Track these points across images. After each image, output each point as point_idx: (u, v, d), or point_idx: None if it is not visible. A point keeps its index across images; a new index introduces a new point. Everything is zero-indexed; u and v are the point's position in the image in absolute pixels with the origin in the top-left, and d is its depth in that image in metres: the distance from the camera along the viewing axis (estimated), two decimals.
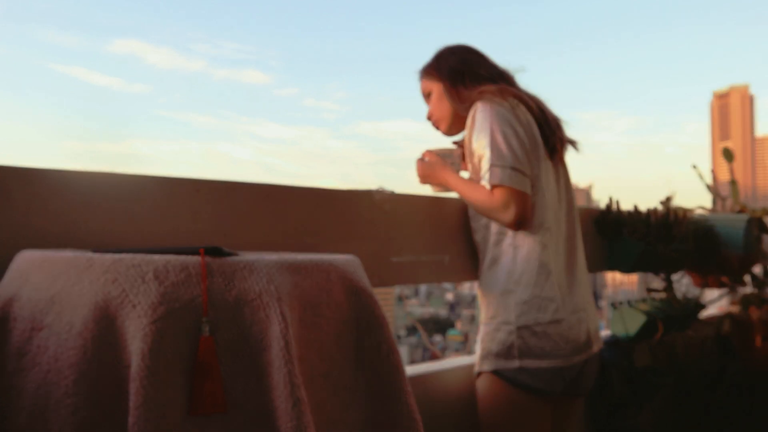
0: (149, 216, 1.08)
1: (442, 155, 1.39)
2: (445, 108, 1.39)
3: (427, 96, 1.44)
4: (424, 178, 1.40)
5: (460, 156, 1.39)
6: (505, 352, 1.24)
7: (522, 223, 1.23)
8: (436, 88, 1.40)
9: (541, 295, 1.24)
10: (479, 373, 1.33)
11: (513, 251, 1.27)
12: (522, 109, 1.29)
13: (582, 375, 1.30)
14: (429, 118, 1.45)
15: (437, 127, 1.44)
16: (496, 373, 1.26)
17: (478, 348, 1.34)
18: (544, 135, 1.31)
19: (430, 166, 1.38)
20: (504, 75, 1.37)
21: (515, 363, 1.23)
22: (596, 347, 1.36)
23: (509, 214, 1.21)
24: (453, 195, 1.42)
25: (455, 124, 1.41)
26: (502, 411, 1.28)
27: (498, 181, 1.21)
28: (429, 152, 1.41)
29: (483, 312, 1.32)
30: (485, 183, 1.24)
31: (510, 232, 1.28)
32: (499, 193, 1.21)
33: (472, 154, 1.32)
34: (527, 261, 1.25)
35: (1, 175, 0.95)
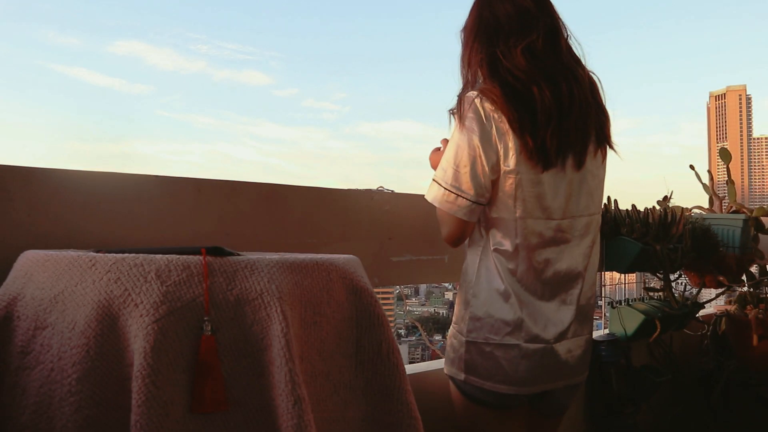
0: (151, 216, 1.09)
1: None
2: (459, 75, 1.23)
3: None
4: (435, 167, 1.30)
5: None
6: (457, 362, 1.20)
7: (456, 243, 1.19)
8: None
9: (495, 315, 1.14)
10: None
11: (479, 264, 1.18)
12: (497, 123, 1.10)
13: (546, 401, 1.23)
14: None
15: None
16: (450, 378, 1.23)
17: None
18: (540, 145, 1.10)
19: (440, 154, 1.28)
20: (518, 46, 1.13)
21: (461, 375, 1.19)
22: (573, 379, 1.22)
23: (443, 232, 1.18)
24: None
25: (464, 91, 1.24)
26: (462, 415, 1.25)
27: (431, 200, 1.16)
28: (445, 140, 1.30)
29: (453, 314, 1.27)
30: None
31: (481, 245, 1.19)
32: (438, 210, 1.17)
33: None
34: (490, 278, 1.15)
35: (4, 175, 0.95)
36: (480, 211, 1.15)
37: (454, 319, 1.24)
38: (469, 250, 1.22)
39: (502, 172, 1.12)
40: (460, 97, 1.14)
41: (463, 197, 1.11)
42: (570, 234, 1.17)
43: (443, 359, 1.30)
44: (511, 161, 1.10)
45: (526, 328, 1.14)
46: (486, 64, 1.15)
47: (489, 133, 1.10)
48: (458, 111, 1.13)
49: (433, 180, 1.16)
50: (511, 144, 1.10)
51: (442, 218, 1.17)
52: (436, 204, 1.15)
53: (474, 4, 1.23)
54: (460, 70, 1.22)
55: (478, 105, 1.11)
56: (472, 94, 1.13)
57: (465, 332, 1.17)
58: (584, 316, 1.22)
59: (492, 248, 1.16)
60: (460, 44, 1.23)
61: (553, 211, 1.14)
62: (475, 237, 1.20)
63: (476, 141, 1.10)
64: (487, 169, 1.11)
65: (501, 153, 1.11)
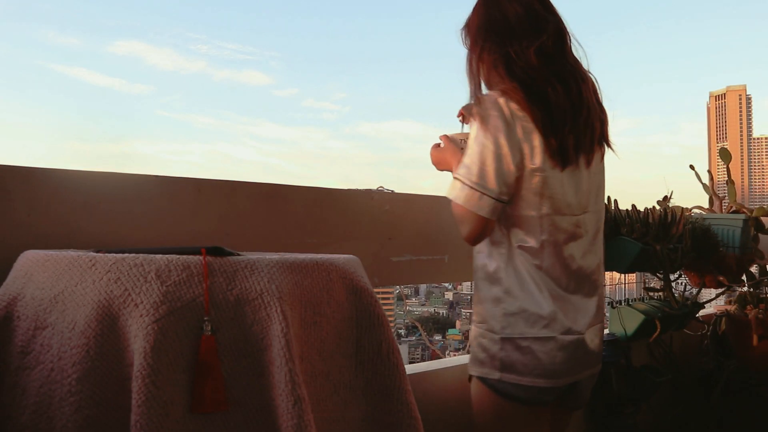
0: (151, 216, 1.09)
1: (455, 140, 1.32)
2: (466, 76, 1.24)
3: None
4: (437, 164, 1.33)
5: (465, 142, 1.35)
6: (489, 362, 1.19)
7: (476, 242, 1.19)
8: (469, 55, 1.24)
9: (530, 309, 1.16)
10: (471, 376, 1.28)
11: (506, 262, 1.19)
12: (522, 121, 1.14)
13: (574, 393, 1.25)
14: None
15: None
16: (481, 379, 1.23)
17: (471, 350, 1.30)
18: (561, 143, 1.15)
19: (441, 152, 1.31)
20: (531, 46, 1.16)
21: (496, 374, 1.18)
22: (595, 368, 1.28)
23: (463, 231, 1.18)
24: None
25: (476, 92, 1.25)
26: (491, 416, 1.24)
27: (454, 198, 1.16)
28: (444, 137, 1.32)
29: (474, 314, 1.27)
30: None
31: (504, 242, 1.20)
32: (456, 208, 1.17)
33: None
34: (521, 272, 1.18)
35: (4, 175, 0.95)
36: (501, 209, 1.16)
37: (478, 319, 1.24)
38: (491, 248, 1.22)
39: (527, 170, 1.15)
40: (479, 97, 1.16)
41: (488, 195, 1.13)
42: (585, 229, 1.23)
43: (444, 359, 1.30)
44: (537, 159, 1.14)
45: (560, 320, 1.17)
46: (501, 65, 1.17)
47: (515, 132, 1.13)
48: (479, 110, 1.15)
49: (455, 178, 1.16)
50: (536, 143, 1.14)
51: (464, 216, 1.16)
52: (459, 202, 1.15)
53: (479, 3, 1.24)
54: (469, 69, 1.23)
55: (503, 104, 1.13)
56: (495, 93, 1.15)
57: (498, 329, 1.18)
58: (601, 305, 1.29)
59: (516, 245, 1.18)
60: (466, 43, 1.25)
61: (573, 207, 1.20)
62: (495, 236, 1.21)
63: (502, 140, 1.13)
64: (512, 167, 1.14)
65: (527, 151, 1.14)
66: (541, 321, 1.16)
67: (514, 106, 1.13)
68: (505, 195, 1.14)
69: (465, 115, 1.41)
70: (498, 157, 1.13)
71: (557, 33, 1.20)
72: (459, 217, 1.17)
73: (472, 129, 1.16)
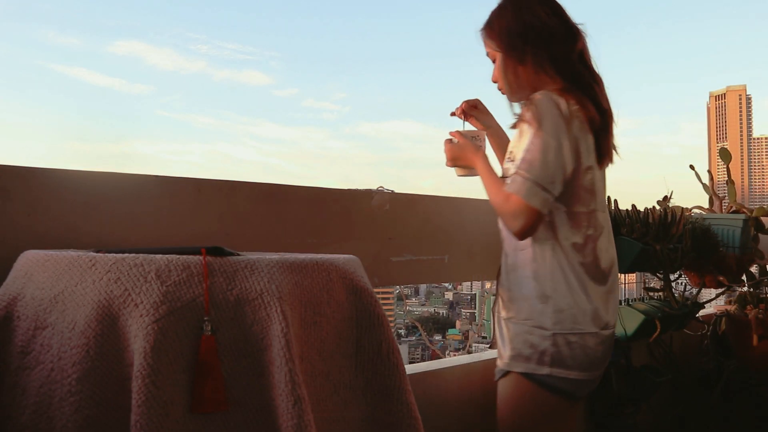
0: (151, 216, 1.09)
1: (469, 136, 1.34)
2: (511, 81, 1.28)
3: (487, 55, 1.33)
4: (454, 160, 1.34)
5: (484, 139, 1.36)
6: (537, 357, 1.22)
7: (527, 236, 1.21)
8: (499, 57, 1.28)
9: (578, 305, 1.22)
10: (506, 372, 1.29)
11: (552, 255, 1.24)
12: (578, 120, 1.20)
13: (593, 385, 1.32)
14: (493, 81, 1.34)
15: (503, 94, 1.34)
16: (525, 375, 1.25)
17: (504, 346, 1.30)
18: (599, 143, 1.24)
19: (461, 148, 1.32)
20: (573, 50, 1.24)
21: (545, 369, 1.22)
22: (609, 359, 1.35)
23: (516, 225, 1.18)
24: (474, 180, 1.38)
25: (518, 95, 1.31)
26: (533, 412, 1.26)
27: (515, 192, 1.17)
28: (458, 133, 1.35)
29: (512, 311, 1.28)
30: (508, 184, 1.20)
31: (549, 238, 1.24)
32: (514, 202, 1.17)
33: (508, 149, 1.30)
34: (565, 270, 1.23)
35: (4, 175, 0.96)
36: (551, 204, 1.21)
37: (521, 316, 1.26)
38: (535, 245, 1.25)
39: (582, 167, 1.22)
40: (534, 97, 1.20)
41: (547, 191, 1.17)
42: (607, 224, 1.32)
43: (444, 359, 1.30)
44: (591, 157, 1.23)
45: (601, 315, 1.24)
46: (550, 67, 1.24)
47: (573, 130, 1.19)
48: (537, 109, 1.19)
49: (517, 173, 1.18)
50: (590, 141, 1.22)
51: (520, 211, 1.17)
52: (520, 195, 1.17)
53: (506, 8, 1.28)
54: (507, 71, 1.28)
55: (561, 103, 1.18)
56: (550, 93, 1.20)
57: (549, 325, 1.22)
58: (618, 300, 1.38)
59: (562, 241, 1.23)
60: (495, 46, 1.28)
61: (605, 204, 1.30)
62: (540, 232, 1.24)
63: (563, 137, 1.18)
64: (570, 164, 1.19)
65: (582, 149, 1.21)
66: (586, 316, 1.22)
67: (571, 105, 1.19)
68: (557, 191, 1.19)
69: (466, 111, 1.43)
70: (558, 154, 1.17)
71: (584, 38, 1.28)
72: (513, 212, 1.18)
73: (530, 126, 1.19)
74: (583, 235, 1.24)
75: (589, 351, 1.23)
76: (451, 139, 1.36)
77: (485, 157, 1.32)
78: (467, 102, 1.47)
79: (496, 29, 1.28)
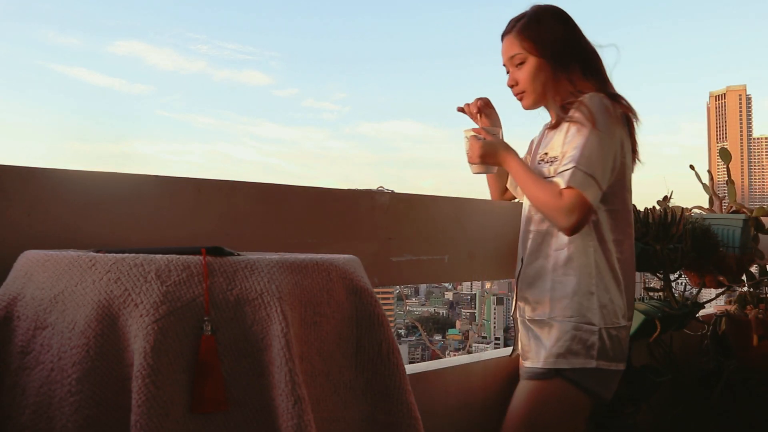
0: (151, 216, 1.09)
1: (495, 133, 1.36)
2: (539, 86, 1.32)
3: (511, 58, 1.34)
4: (483, 158, 1.34)
5: (502, 136, 1.39)
6: (585, 352, 1.26)
7: (577, 231, 1.23)
8: (533, 61, 1.31)
9: (615, 301, 1.29)
10: (548, 370, 1.29)
11: (595, 252, 1.28)
12: (623, 121, 1.28)
13: None
14: (512, 85, 1.36)
15: (518, 98, 1.37)
16: (571, 372, 1.27)
17: (542, 347, 1.30)
18: (632, 142, 1.33)
19: (492, 145, 1.33)
20: (601, 63, 1.34)
21: (593, 363, 1.26)
22: None
23: (570, 220, 1.19)
24: (482, 177, 1.44)
25: (540, 102, 1.36)
26: (570, 409, 1.31)
27: (576, 185, 1.18)
28: (483, 130, 1.36)
29: (555, 310, 1.29)
30: (559, 180, 1.21)
31: (593, 235, 1.28)
32: (569, 196, 1.18)
33: (539, 151, 1.34)
34: (605, 264, 1.28)
35: (3, 175, 0.96)
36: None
37: (568, 313, 1.28)
38: (579, 242, 1.29)
39: (627, 166, 1.29)
40: (586, 98, 1.25)
41: (599, 186, 1.21)
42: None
43: (444, 359, 1.31)
44: (628, 158, 1.30)
45: (630, 309, 1.33)
46: (591, 75, 1.31)
47: (622, 132, 1.27)
48: (591, 108, 1.23)
49: (575, 167, 1.19)
50: (628, 143, 1.30)
51: (574, 205, 1.19)
52: (581, 189, 1.19)
53: (547, 18, 1.33)
54: (545, 77, 1.32)
55: (610, 105, 1.25)
56: (599, 95, 1.26)
57: (597, 321, 1.27)
58: None
59: (604, 238, 1.28)
60: (538, 53, 1.31)
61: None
62: (584, 229, 1.27)
63: (615, 138, 1.24)
64: (618, 163, 1.26)
65: (627, 149, 1.29)
66: (621, 310, 1.30)
67: (618, 106, 1.26)
68: (605, 188, 1.24)
69: (482, 109, 1.45)
70: (611, 152, 1.23)
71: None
72: (568, 207, 1.19)
73: (583, 125, 1.22)
74: (622, 232, 1.30)
75: (624, 343, 1.31)
76: (475, 136, 1.36)
77: (517, 155, 1.33)
78: (482, 100, 1.49)
79: (538, 37, 1.31)
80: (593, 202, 1.20)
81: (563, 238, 1.29)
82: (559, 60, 1.30)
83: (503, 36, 1.38)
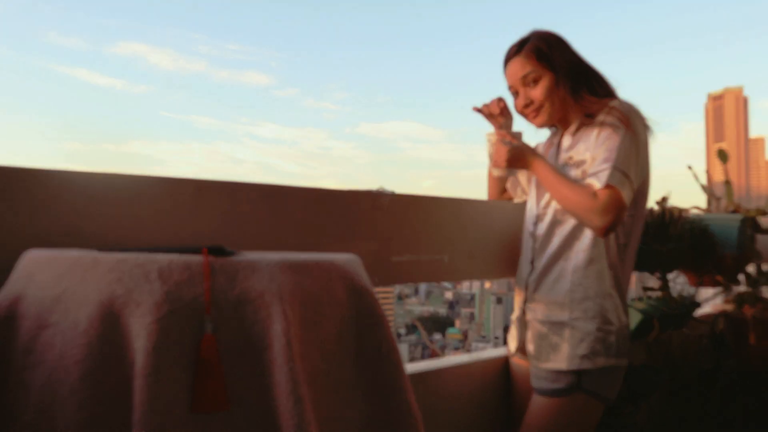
0: (152, 216, 1.09)
1: (520, 137, 1.38)
2: (557, 102, 1.33)
3: (523, 78, 1.34)
4: (511, 162, 1.34)
5: (521, 140, 1.41)
6: (604, 351, 1.30)
7: (610, 231, 1.23)
8: (550, 77, 1.32)
9: (623, 301, 1.35)
10: (568, 384, 1.30)
11: (615, 254, 1.32)
12: (648, 129, 1.31)
13: None
14: (527, 104, 1.36)
15: (533, 116, 1.37)
16: (590, 378, 1.30)
17: (561, 350, 1.31)
18: None
19: (519, 149, 1.34)
20: (603, 80, 1.38)
21: (612, 361, 1.31)
22: None
23: (605, 219, 1.19)
24: (489, 179, 1.45)
25: (555, 117, 1.36)
26: (584, 429, 1.35)
27: (616, 183, 1.19)
28: (510, 134, 1.37)
29: (576, 311, 1.30)
30: (594, 181, 1.22)
31: (614, 236, 1.31)
32: (605, 196, 1.19)
33: (563, 155, 1.35)
34: (619, 267, 1.33)
35: (5, 176, 0.96)
36: None
37: (588, 315, 1.31)
38: (600, 245, 1.32)
39: (648, 174, 1.32)
40: (615, 104, 1.29)
41: (632, 186, 1.23)
42: None
43: (444, 358, 1.32)
44: (648, 164, 1.32)
45: (625, 306, 1.37)
46: (606, 91, 1.35)
47: (648, 138, 1.30)
48: (622, 112, 1.27)
49: (614, 167, 1.21)
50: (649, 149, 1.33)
51: (611, 204, 1.20)
52: (620, 188, 1.21)
53: (560, 41, 1.36)
54: (564, 95, 1.33)
55: (639, 111, 1.29)
56: (626, 102, 1.31)
57: (615, 320, 1.32)
58: None
59: (620, 240, 1.32)
60: (561, 72, 1.34)
61: None
62: None
63: (645, 141, 1.28)
64: (645, 169, 1.30)
65: (651, 155, 1.32)
66: (624, 312, 1.36)
67: (644, 115, 1.30)
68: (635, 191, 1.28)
69: (503, 110, 1.48)
70: (643, 155, 1.26)
71: None
72: (604, 206, 1.20)
73: (617, 128, 1.25)
74: (637, 237, 1.34)
75: (628, 339, 1.35)
76: (501, 140, 1.36)
77: (544, 158, 1.34)
78: (502, 101, 1.48)
79: (551, 54, 1.33)
80: (627, 202, 1.22)
81: (585, 241, 1.30)
82: (575, 75, 1.32)
83: (508, 60, 1.37)
